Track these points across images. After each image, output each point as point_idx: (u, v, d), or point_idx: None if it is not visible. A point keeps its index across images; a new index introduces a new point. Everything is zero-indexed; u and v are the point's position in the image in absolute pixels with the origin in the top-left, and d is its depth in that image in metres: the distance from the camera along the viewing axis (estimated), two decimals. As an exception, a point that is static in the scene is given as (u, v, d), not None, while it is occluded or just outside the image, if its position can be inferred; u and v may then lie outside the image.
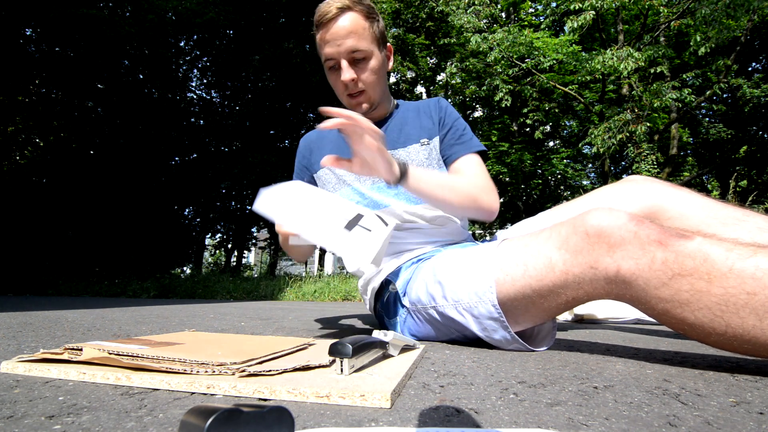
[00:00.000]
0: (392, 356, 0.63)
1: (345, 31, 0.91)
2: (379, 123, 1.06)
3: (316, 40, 0.96)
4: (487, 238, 1.14)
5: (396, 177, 0.77)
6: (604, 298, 0.67)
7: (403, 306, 0.94)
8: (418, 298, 0.88)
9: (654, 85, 6.48)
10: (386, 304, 1.01)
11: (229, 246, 11.22)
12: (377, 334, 0.61)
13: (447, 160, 1.04)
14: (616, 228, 0.61)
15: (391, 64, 1.04)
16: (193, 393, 0.45)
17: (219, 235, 11.58)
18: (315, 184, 1.11)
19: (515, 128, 10.03)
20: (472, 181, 0.96)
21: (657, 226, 0.60)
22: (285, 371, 0.49)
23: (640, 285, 0.60)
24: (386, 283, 1.01)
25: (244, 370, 0.48)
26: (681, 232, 0.59)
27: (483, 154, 1.05)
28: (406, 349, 0.69)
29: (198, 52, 10.52)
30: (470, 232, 1.15)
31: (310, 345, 0.67)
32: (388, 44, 1.02)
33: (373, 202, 1.01)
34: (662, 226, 0.60)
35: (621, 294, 0.63)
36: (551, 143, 11.32)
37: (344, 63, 0.93)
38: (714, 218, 0.82)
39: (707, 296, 0.56)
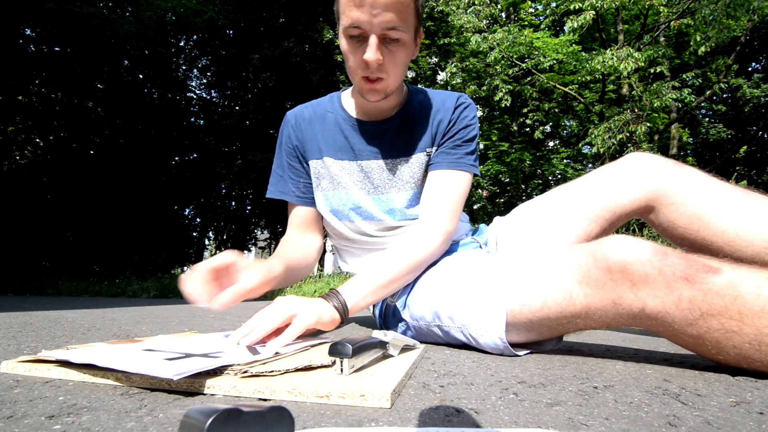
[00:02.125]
0: (392, 356, 0.63)
1: None
2: (385, 122, 0.93)
3: None
4: (485, 225, 1.08)
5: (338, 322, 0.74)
6: (631, 327, 0.65)
7: (402, 320, 0.90)
8: (422, 315, 0.83)
9: (654, 85, 6.49)
10: (384, 314, 0.98)
11: (229, 245, 11.22)
12: (377, 334, 0.61)
13: (429, 165, 0.93)
14: (639, 264, 0.58)
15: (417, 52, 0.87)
16: (193, 393, 0.45)
17: (220, 237, 11.59)
18: (308, 171, 0.99)
19: (515, 128, 10.03)
20: (421, 229, 0.86)
21: (683, 260, 0.56)
22: (287, 371, 0.49)
23: (667, 322, 0.58)
24: None
25: (246, 371, 0.48)
26: (708, 263, 0.56)
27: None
28: (406, 349, 0.69)
29: (197, 52, 10.52)
30: (471, 227, 1.08)
31: (313, 346, 0.67)
32: (421, 29, 0.85)
33: (366, 213, 0.94)
34: (688, 258, 0.57)
35: (648, 327, 0.62)
36: (551, 143, 11.32)
37: (374, 39, 0.75)
38: (721, 204, 0.76)
39: (739, 336, 0.54)
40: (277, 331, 0.65)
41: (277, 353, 0.59)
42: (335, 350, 0.49)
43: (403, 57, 0.81)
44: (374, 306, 1.02)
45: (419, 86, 1.00)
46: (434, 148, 0.93)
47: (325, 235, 1.12)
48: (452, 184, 0.90)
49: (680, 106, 7.60)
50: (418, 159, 0.93)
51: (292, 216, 1.03)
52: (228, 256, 0.72)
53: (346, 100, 0.98)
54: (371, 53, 0.76)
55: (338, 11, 0.78)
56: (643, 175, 0.83)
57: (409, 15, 0.76)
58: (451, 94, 0.96)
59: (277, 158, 1.03)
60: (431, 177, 0.92)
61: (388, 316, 0.97)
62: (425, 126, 0.93)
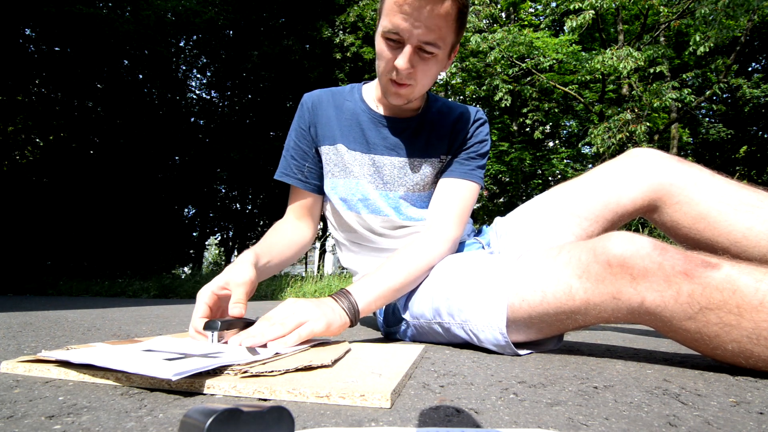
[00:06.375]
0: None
1: (435, 17, 0.74)
2: (403, 121, 0.95)
3: None
4: (486, 226, 1.09)
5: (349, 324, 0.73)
6: (626, 323, 0.64)
7: (402, 318, 0.90)
8: (422, 313, 0.84)
9: (654, 85, 6.49)
10: (384, 312, 0.98)
11: (230, 244, 11.23)
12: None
13: (441, 173, 0.96)
14: (639, 258, 0.58)
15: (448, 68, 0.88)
16: (193, 393, 0.45)
17: (218, 236, 11.60)
18: (319, 156, 0.98)
19: (515, 128, 10.03)
20: (433, 230, 0.88)
21: (682, 255, 0.57)
22: (287, 371, 0.49)
23: (665, 316, 0.58)
24: None
25: (246, 371, 0.48)
26: (707, 259, 0.56)
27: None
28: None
29: (197, 51, 10.52)
30: (474, 228, 1.09)
31: (313, 346, 0.66)
32: (457, 47, 0.86)
33: (373, 206, 0.95)
34: (687, 254, 0.57)
35: (645, 322, 0.61)
36: (551, 143, 11.32)
37: (408, 49, 0.77)
38: (726, 204, 0.75)
39: (737, 330, 0.54)
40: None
41: (277, 353, 0.59)
42: (208, 325, 0.64)
43: (434, 69, 0.82)
44: None
45: (436, 94, 1.01)
46: (449, 157, 0.96)
47: (326, 236, 1.12)
48: (462, 193, 0.92)
49: (680, 106, 7.60)
50: (430, 163, 0.95)
51: (291, 200, 1.02)
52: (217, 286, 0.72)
53: (368, 93, 0.98)
54: (403, 61, 0.77)
55: (381, 9, 0.80)
56: (646, 173, 0.81)
57: (448, 33, 0.78)
58: (469, 108, 0.99)
59: (287, 140, 1.02)
60: (442, 184, 0.94)
61: (388, 314, 0.97)
62: (442, 133, 0.95)
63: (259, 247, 0.87)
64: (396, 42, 0.78)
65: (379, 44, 0.81)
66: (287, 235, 0.98)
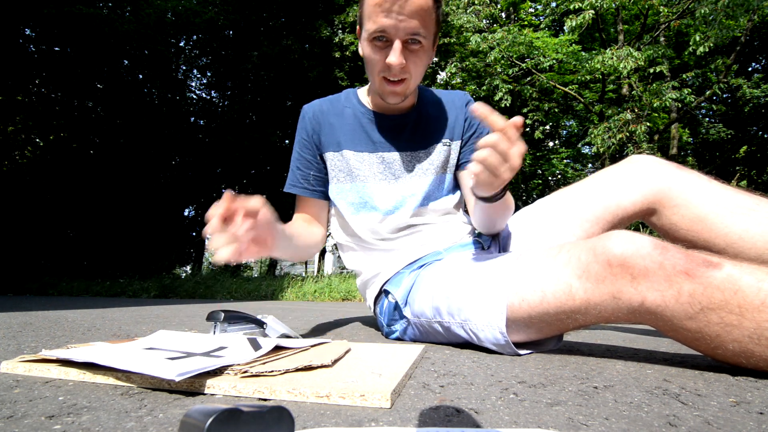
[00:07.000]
0: (269, 336, 0.72)
1: (414, 6, 0.77)
2: (402, 116, 0.98)
3: (365, 1, 0.81)
4: None
5: (496, 194, 0.74)
6: (627, 322, 0.64)
7: (403, 316, 0.90)
8: (422, 311, 0.84)
9: (654, 85, 6.49)
10: (385, 311, 0.98)
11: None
12: (260, 316, 0.75)
13: (461, 164, 0.99)
14: (639, 258, 0.57)
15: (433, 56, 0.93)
16: (193, 393, 0.45)
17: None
18: (324, 163, 1.01)
19: (515, 128, 10.02)
20: None
21: (683, 254, 0.56)
22: (287, 371, 0.49)
23: (666, 316, 0.57)
24: (385, 292, 0.96)
25: (246, 371, 0.48)
26: (708, 259, 0.55)
27: None
28: (285, 336, 0.77)
29: (197, 52, 10.52)
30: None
31: (313, 346, 0.66)
32: (438, 36, 0.90)
33: (379, 208, 0.96)
34: (688, 253, 0.56)
35: (645, 321, 0.61)
36: (551, 143, 11.33)
37: (398, 44, 0.80)
38: (724, 207, 0.76)
39: (738, 329, 0.54)
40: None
41: (277, 346, 0.59)
42: (210, 316, 0.64)
43: (424, 60, 0.86)
44: (375, 303, 1.02)
45: (422, 85, 1.04)
46: (457, 142, 0.99)
47: (328, 235, 1.13)
48: None
49: (680, 106, 7.61)
50: (436, 150, 0.98)
51: (298, 207, 1.05)
52: (257, 202, 0.60)
53: (363, 96, 1.02)
54: (395, 57, 0.81)
55: (362, 16, 0.83)
56: (645, 178, 0.83)
57: (430, 23, 0.82)
58: (457, 93, 1.04)
59: (293, 153, 1.05)
60: (467, 175, 0.97)
61: (389, 312, 0.97)
62: (440, 121, 0.99)
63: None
64: (384, 41, 0.81)
65: (367, 49, 0.84)
66: (305, 226, 1.00)
